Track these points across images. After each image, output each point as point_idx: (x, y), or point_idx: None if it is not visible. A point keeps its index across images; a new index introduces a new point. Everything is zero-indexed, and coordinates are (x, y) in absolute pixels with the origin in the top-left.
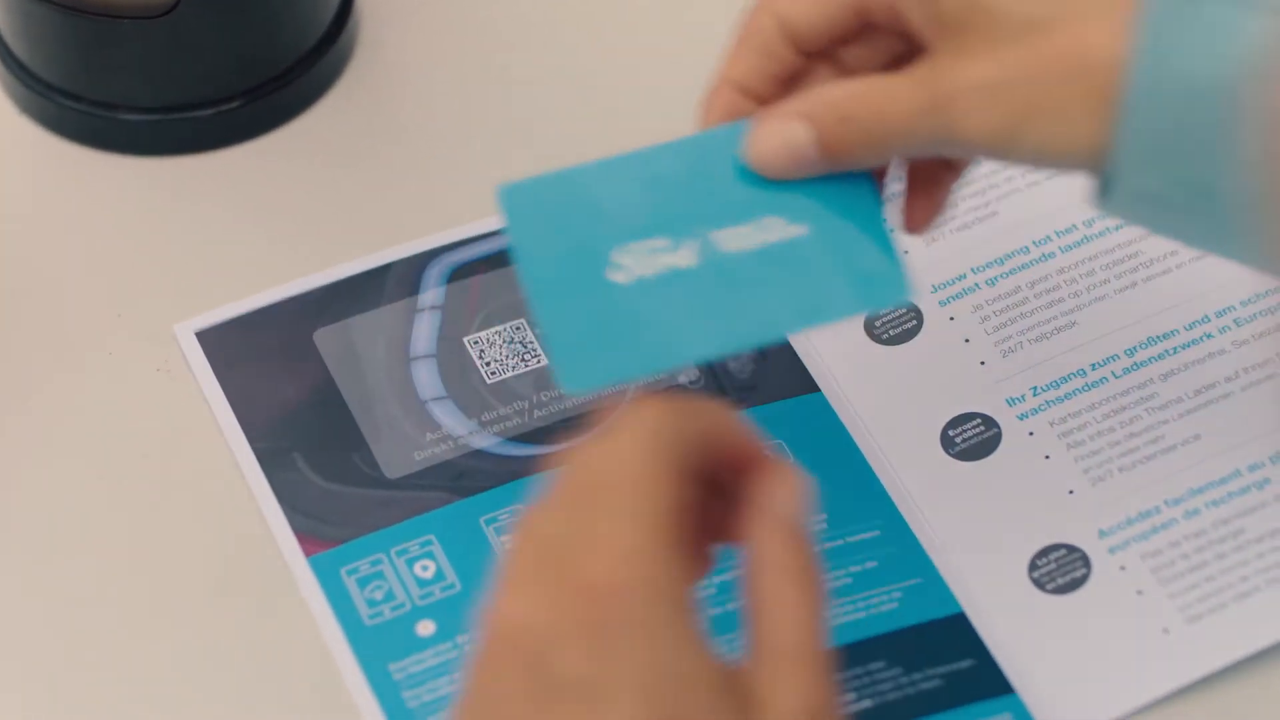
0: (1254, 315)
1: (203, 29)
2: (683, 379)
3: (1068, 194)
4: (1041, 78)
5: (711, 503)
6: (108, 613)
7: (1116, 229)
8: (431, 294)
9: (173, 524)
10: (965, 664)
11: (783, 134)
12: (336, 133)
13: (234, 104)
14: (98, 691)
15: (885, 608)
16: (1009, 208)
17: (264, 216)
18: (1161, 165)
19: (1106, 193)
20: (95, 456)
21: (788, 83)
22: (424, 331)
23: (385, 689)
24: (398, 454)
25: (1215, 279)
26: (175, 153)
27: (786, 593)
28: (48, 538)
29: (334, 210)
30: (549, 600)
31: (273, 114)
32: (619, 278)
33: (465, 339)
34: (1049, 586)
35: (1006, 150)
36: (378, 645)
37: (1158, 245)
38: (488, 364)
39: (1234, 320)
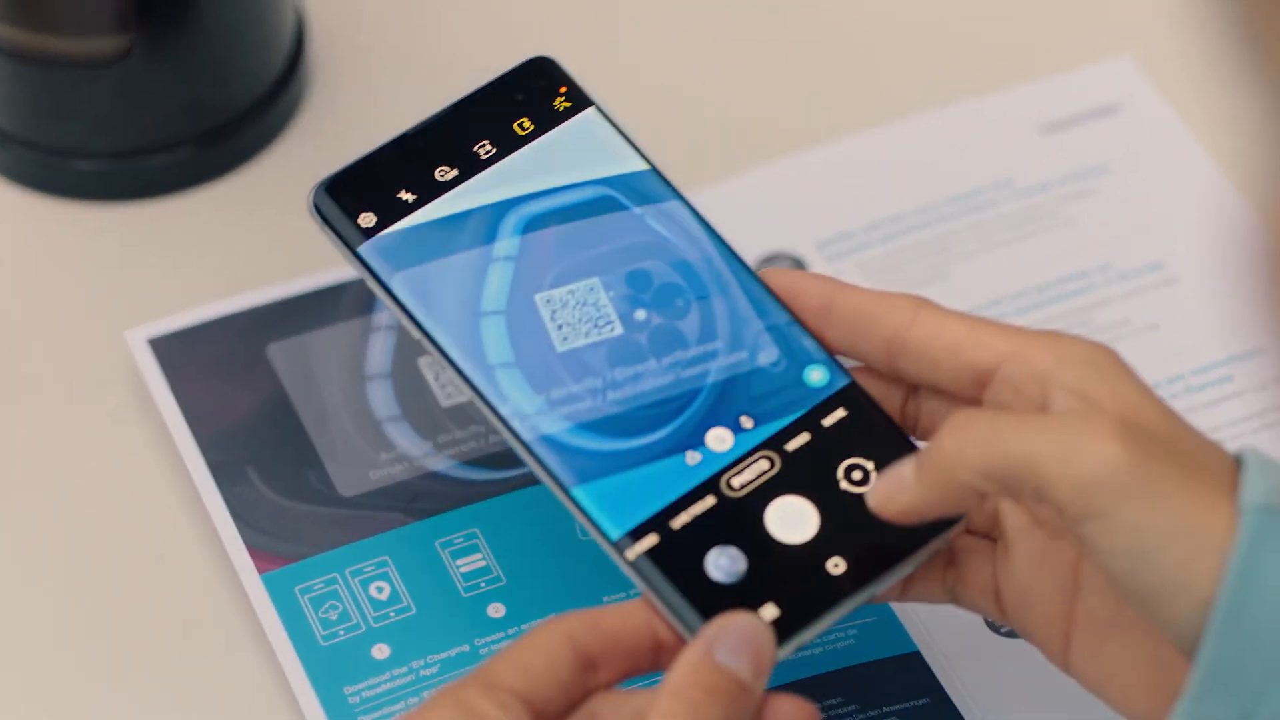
0: (1204, 385)
1: (154, 76)
2: None
3: (1018, 261)
4: None
5: None
6: (61, 639)
7: (1073, 296)
8: (386, 314)
9: (128, 560)
10: (922, 702)
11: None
12: (289, 178)
13: (186, 150)
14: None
15: (842, 644)
16: (960, 272)
17: (217, 263)
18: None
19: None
20: (50, 501)
21: None
22: (379, 351)
23: (340, 712)
24: (352, 473)
25: (1172, 346)
26: (128, 199)
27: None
28: (7, 574)
29: (287, 257)
30: None
31: (225, 160)
32: None
33: (420, 360)
34: (1003, 629)
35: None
36: (332, 667)
37: (1111, 313)
38: (444, 386)
39: (1186, 388)
